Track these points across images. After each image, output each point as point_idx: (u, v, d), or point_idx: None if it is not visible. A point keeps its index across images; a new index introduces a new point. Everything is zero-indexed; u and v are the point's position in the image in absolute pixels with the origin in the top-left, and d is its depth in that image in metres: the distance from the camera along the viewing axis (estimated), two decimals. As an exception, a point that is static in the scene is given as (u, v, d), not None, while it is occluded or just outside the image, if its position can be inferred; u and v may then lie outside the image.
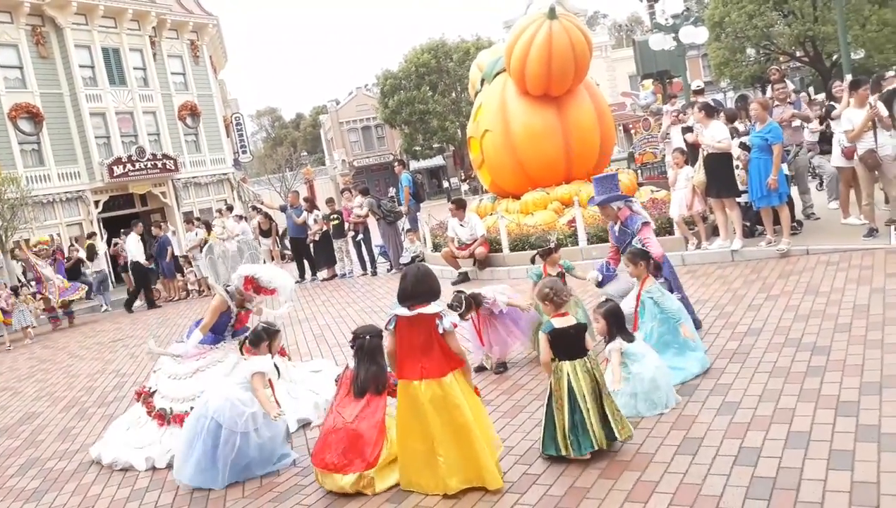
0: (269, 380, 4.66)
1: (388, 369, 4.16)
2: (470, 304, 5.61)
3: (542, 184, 11.66)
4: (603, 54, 49.28)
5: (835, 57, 30.96)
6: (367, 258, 13.95)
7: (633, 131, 29.96)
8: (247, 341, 4.77)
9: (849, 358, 4.75)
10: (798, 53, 32.89)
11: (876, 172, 8.06)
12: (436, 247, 12.43)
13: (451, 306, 5.41)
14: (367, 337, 4.30)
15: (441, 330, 3.72)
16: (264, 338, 4.71)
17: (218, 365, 5.43)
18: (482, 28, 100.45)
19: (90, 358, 10.52)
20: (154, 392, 5.55)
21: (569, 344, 4.05)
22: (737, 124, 9.76)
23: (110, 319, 15.38)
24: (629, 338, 4.54)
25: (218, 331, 5.73)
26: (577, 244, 10.10)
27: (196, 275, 15.87)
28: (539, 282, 4.66)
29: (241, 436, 4.42)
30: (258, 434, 4.49)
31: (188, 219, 18.85)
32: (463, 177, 42.76)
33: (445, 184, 51.65)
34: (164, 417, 5.29)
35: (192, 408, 4.86)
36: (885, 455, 3.37)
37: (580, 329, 4.10)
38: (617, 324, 4.55)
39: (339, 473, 4.04)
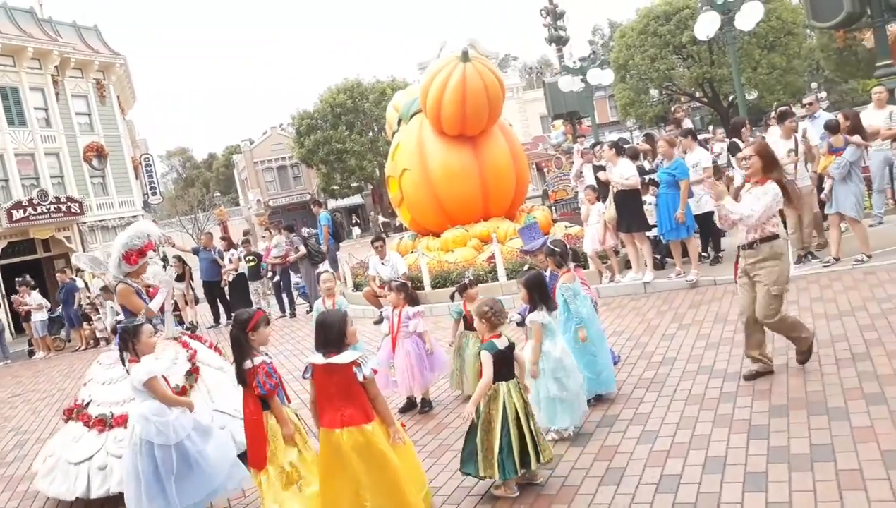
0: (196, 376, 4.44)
1: (252, 361, 4.02)
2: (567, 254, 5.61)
3: (460, 221, 11.80)
4: (515, 95, 50.73)
5: (731, 98, 32.90)
6: (285, 299, 13.68)
7: (546, 169, 30.85)
8: (123, 354, 4.49)
9: (758, 383, 4.98)
10: (698, 94, 34.82)
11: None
12: (356, 287, 12.34)
13: (551, 252, 5.53)
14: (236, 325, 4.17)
15: (360, 378, 3.66)
16: (129, 337, 4.42)
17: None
18: (397, 69, 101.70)
19: (-14, 416, 9.82)
20: (88, 403, 5.30)
21: (504, 365, 4.10)
22: (642, 161, 10.20)
23: (10, 373, 14.44)
24: (552, 306, 4.64)
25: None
26: (497, 279, 10.23)
27: (104, 323, 15.15)
28: (479, 301, 4.65)
29: (177, 449, 4.11)
30: (193, 442, 4.21)
31: (94, 264, 17.99)
32: (382, 219, 42.76)
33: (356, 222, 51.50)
34: (104, 422, 5.04)
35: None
36: (796, 475, 3.53)
37: (512, 348, 4.17)
38: (539, 293, 4.65)
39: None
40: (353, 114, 43.18)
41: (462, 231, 11.62)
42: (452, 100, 11.21)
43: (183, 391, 4.98)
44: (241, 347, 4.03)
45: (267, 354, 4.12)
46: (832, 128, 8.08)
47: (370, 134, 43.80)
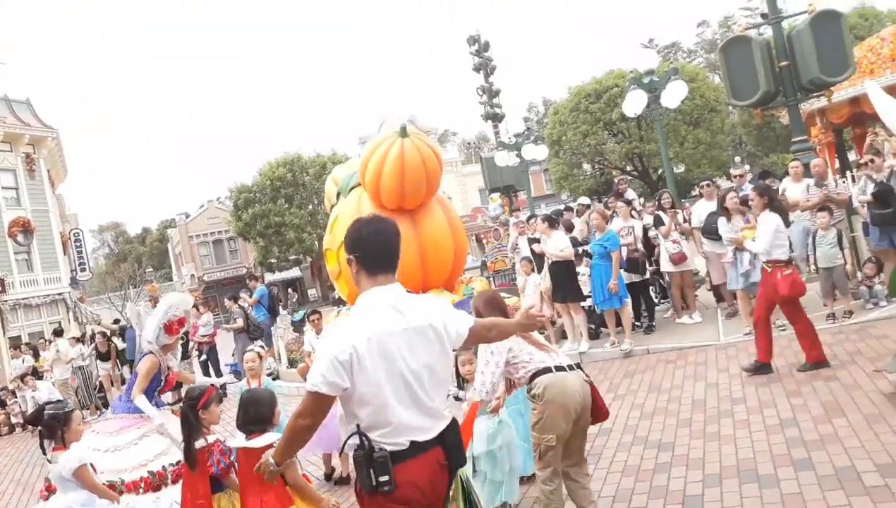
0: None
1: (206, 439, 3.83)
2: None
3: (399, 294, 11.75)
4: (454, 169, 51.72)
5: (660, 171, 34.30)
6: (213, 378, 13.21)
7: (485, 241, 31.23)
8: (45, 442, 4.24)
9: (691, 452, 5.01)
10: (629, 168, 36.18)
11: None
12: (291, 363, 12.04)
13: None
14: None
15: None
16: (58, 424, 4.17)
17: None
18: (338, 143, 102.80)
19: None
20: None
21: None
22: (575, 233, 10.45)
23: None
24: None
25: (148, 396, 5.50)
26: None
27: (21, 407, 14.29)
28: None
29: None
30: None
31: (14, 345, 17.16)
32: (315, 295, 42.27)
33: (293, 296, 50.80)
34: (115, 488, 4.77)
35: (148, 472, 4.73)
36: (730, 546, 3.52)
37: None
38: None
39: None
40: (292, 188, 43.12)
41: (400, 303, 11.56)
42: (391, 174, 11.31)
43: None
44: (192, 425, 3.85)
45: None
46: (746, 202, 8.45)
47: (310, 207, 43.71)
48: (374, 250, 2.75)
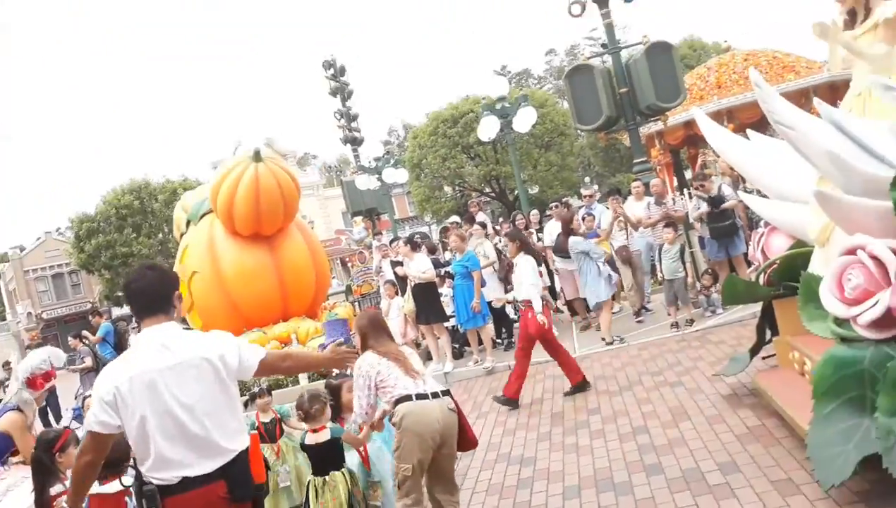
0: None
1: (64, 485, 3.52)
2: None
3: (258, 323, 11.32)
4: (315, 193, 51.04)
5: (516, 192, 35.55)
6: (53, 424, 12.14)
7: (350, 264, 30.90)
8: None
9: (552, 465, 5.13)
10: (487, 190, 37.23)
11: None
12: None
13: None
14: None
15: None
16: None
17: None
18: (189, 168, 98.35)
19: None
20: None
21: (321, 458, 4.01)
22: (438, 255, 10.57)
23: None
24: None
25: None
26: (298, 383, 9.85)
27: None
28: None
29: None
30: None
31: None
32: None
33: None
34: None
35: None
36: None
37: (334, 443, 4.04)
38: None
39: None
40: (140, 216, 40.72)
41: (260, 333, 11.11)
42: (245, 200, 10.95)
43: None
44: (46, 471, 3.51)
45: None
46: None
47: (160, 235, 41.45)
48: (136, 299, 3.00)
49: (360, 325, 4.24)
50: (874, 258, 3.36)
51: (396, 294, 9.73)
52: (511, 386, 7.05)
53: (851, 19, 4.25)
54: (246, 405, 5.73)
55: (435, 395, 3.88)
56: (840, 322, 3.67)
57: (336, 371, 5.33)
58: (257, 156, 11.00)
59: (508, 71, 56.36)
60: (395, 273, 10.51)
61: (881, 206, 3.37)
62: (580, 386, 6.96)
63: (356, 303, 19.28)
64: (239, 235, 11.32)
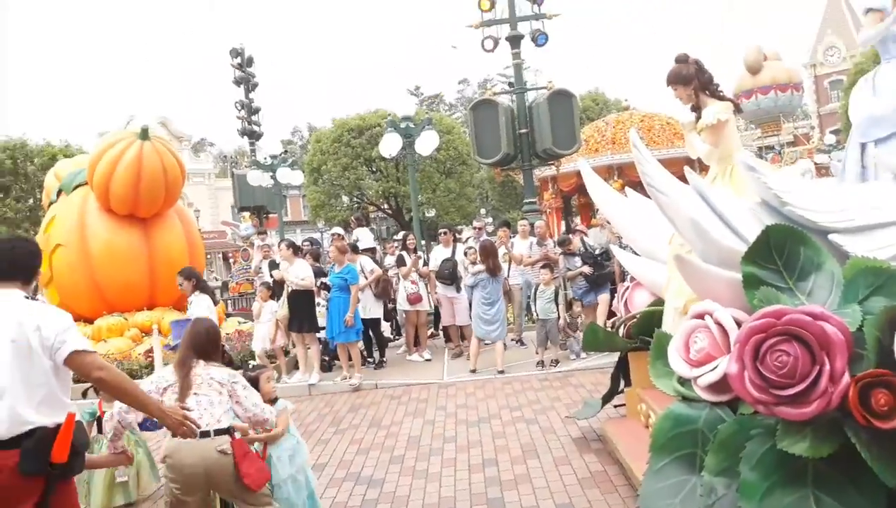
0: None
1: None
2: None
3: (120, 308, 10.76)
4: (207, 181, 49.26)
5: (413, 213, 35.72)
6: None
7: (232, 260, 29.86)
8: None
9: (398, 490, 5.11)
10: (384, 206, 37.18)
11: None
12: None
13: None
14: None
15: None
16: None
17: None
18: (74, 134, 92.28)
19: None
20: None
21: None
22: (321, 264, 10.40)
23: None
24: None
25: None
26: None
27: None
28: None
29: None
30: None
31: None
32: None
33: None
34: None
35: None
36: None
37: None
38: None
39: None
40: (11, 177, 37.85)
41: (120, 319, 10.57)
42: (125, 178, 10.42)
43: None
44: None
45: None
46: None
47: (30, 201, 38.67)
48: None
49: (187, 331, 3.99)
50: (719, 324, 3.58)
51: (271, 297, 9.47)
52: None
53: (697, 117, 4.75)
54: (85, 394, 5.41)
55: (205, 434, 3.57)
56: (683, 381, 3.86)
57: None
58: (144, 134, 10.51)
59: (421, 93, 56.81)
60: (271, 275, 10.25)
61: (732, 277, 3.60)
62: None
63: (232, 302, 18.72)
64: (113, 213, 10.75)
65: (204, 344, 3.90)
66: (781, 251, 3.26)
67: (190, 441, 3.48)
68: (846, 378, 2.76)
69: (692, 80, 4.67)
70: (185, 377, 3.73)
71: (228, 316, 12.81)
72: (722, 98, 4.70)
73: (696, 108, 4.75)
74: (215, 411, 3.67)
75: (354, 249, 9.98)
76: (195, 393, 3.68)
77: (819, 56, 48.49)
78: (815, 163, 20.85)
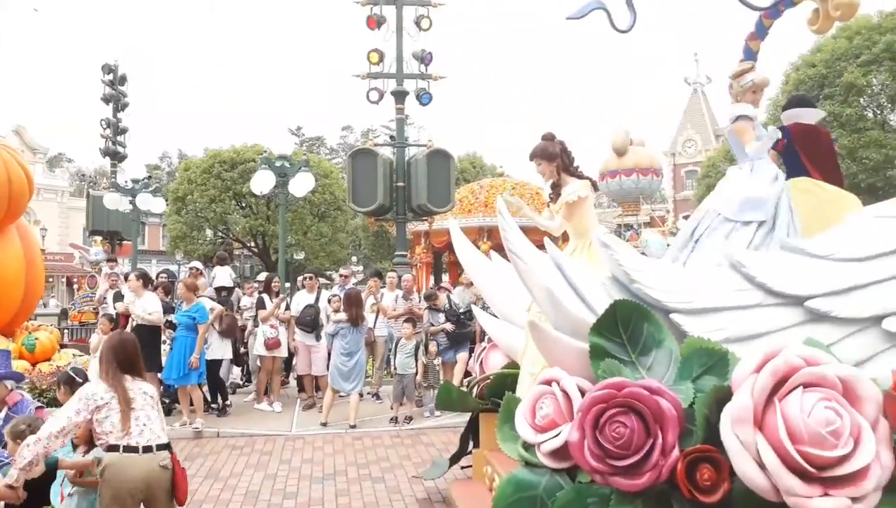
0: None
1: None
2: None
3: (-65, 329, 9.65)
4: (59, 199, 45.93)
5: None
6: None
7: (76, 286, 27.75)
8: None
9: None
10: (251, 243, 36.06)
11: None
12: None
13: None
14: None
15: None
16: None
17: None
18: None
19: None
20: None
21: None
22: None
23: None
24: None
25: None
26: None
27: None
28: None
29: None
30: None
31: None
32: None
33: None
34: None
35: None
36: None
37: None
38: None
39: None
40: None
41: (-68, 341, 9.44)
42: (-40, 185, 9.48)
43: None
44: None
45: None
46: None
47: None
48: None
49: (107, 346, 3.98)
50: (564, 392, 3.65)
51: (112, 330, 8.79)
52: None
53: (556, 193, 5.05)
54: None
55: (147, 449, 3.70)
56: (527, 446, 3.89)
57: None
58: (-11, 141, 9.64)
59: (303, 134, 56.44)
60: (114, 307, 9.57)
61: (580, 347, 3.70)
62: None
63: (70, 331, 17.28)
64: (-60, 223, 9.71)
65: (131, 357, 3.93)
66: (627, 325, 3.39)
67: (132, 456, 3.61)
68: (676, 452, 2.88)
69: (556, 157, 4.95)
70: (123, 393, 3.72)
71: (63, 346, 11.78)
72: (581, 177, 4.96)
73: (556, 186, 5.00)
74: (154, 426, 3.79)
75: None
76: (133, 408, 3.72)
77: (679, 146, 52.66)
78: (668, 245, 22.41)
